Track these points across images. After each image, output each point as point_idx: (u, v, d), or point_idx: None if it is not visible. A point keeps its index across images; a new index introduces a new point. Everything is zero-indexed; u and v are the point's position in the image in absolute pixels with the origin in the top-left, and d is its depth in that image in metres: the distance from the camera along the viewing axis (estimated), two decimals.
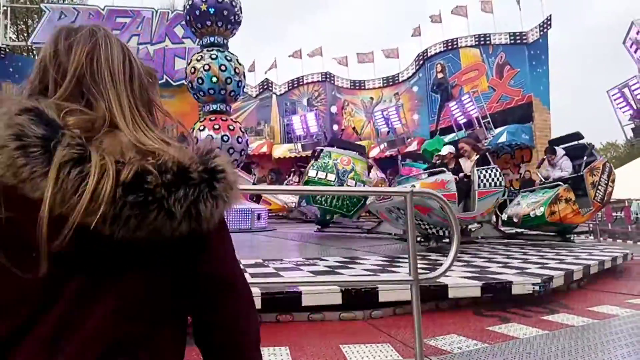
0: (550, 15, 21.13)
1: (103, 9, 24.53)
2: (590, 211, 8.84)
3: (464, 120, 21.49)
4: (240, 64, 12.62)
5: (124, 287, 0.78)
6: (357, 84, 28.67)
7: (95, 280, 0.76)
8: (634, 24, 15.94)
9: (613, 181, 8.79)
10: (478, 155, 8.36)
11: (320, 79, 29.15)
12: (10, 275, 0.72)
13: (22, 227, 0.71)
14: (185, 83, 13.03)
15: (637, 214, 14.41)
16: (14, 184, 0.70)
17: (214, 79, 12.18)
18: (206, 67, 12.18)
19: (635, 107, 16.81)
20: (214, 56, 12.26)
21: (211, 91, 12.27)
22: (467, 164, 8.38)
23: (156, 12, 25.22)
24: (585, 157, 9.11)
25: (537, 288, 4.69)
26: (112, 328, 0.77)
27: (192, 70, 12.29)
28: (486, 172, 8.02)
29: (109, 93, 0.84)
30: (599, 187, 8.65)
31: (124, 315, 0.78)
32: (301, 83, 29.62)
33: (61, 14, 23.97)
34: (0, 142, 0.70)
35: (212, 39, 12.67)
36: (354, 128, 28.31)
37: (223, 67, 12.07)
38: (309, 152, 25.09)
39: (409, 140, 24.43)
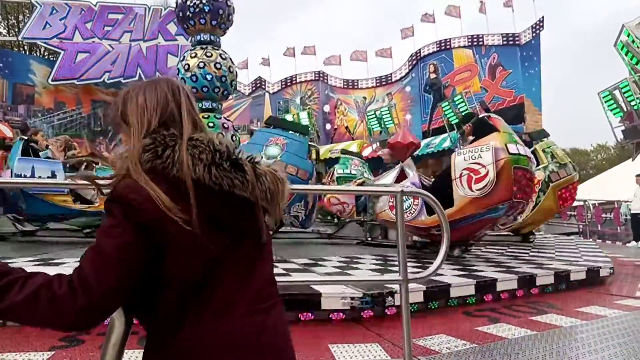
0: (542, 17, 21.26)
1: (95, 5, 24.29)
2: None
3: (456, 120, 21.54)
4: (224, 59, 12.47)
5: (269, 245, 1.24)
6: (350, 84, 28.67)
7: (258, 242, 1.18)
8: (625, 27, 16.05)
9: None
10: None
11: (313, 77, 29.13)
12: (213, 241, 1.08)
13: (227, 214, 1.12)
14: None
15: (626, 216, 14.51)
16: (227, 190, 1.09)
17: (194, 77, 12.10)
18: (186, 66, 12.10)
19: (625, 109, 16.92)
20: (208, 54, 12.17)
21: (205, 89, 12.18)
22: None
23: (149, 8, 25.03)
24: None
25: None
26: (271, 269, 1.25)
27: (187, 66, 12.20)
28: None
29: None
30: None
31: (271, 261, 1.26)
32: (294, 82, 29.60)
33: (52, 9, 23.71)
34: (213, 163, 1.09)
35: (203, 37, 12.55)
36: (346, 127, 28.32)
37: (218, 65, 11.97)
38: None
39: None
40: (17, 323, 1.09)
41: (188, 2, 12.32)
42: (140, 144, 1.12)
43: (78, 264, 1.03)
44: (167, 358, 1.09)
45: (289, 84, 29.70)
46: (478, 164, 5.94)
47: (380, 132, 25.36)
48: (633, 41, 15.76)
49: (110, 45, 24.09)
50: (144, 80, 1.27)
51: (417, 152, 22.59)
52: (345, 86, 28.72)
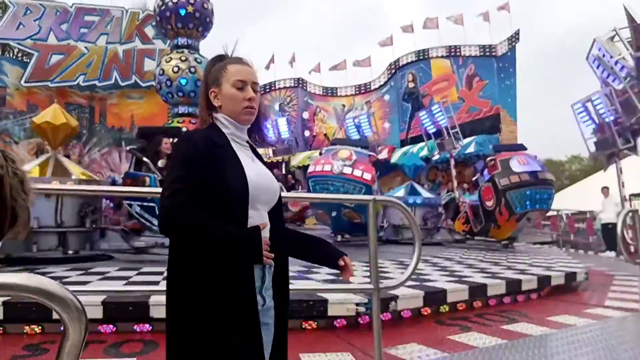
0: (518, 30, 21.69)
1: (71, 6, 23.91)
2: None
3: (434, 129, 21.74)
4: None
5: None
6: (329, 91, 28.75)
7: None
8: (596, 41, 16.44)
9: None
10: None
11: (292, 84, 29.12)
12: None
13: None
14: (154, 85, 12.78)
15: (599, 229, 14.78)
16: None
17: (183, 81, 11.95)
18: (175, 69, 11.94)
19: (597, 122, 17.29)
20: (183, 58, 12.05)
21: (180, 93, 12.06)
22: None
23: (126, 11, 24.76)
24: None
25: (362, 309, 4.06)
26: None
27: (161, 71, 12.07)
28: None
29: None
30: None
31: None
32: (273, 88, 29.54)
33: (27, 9, 23.28)
34: None
35: (182, 41, 12.48)
36: (325, 134, 28.33)
37: (193, 69, 11.87)
38: (279, 158, 24.99)
39: (380, 148, 24.58)
40: None
41: (173, 6, 12.19)
42: None
43: None
44: None
45: (267, 89, 29.62)
46: None
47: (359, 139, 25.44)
48: (604, 55, 16.15)
49: (85, 47, 23.74)
50: None
51: (395, 160, 22.80)
52: (325, 93, 28.78)
